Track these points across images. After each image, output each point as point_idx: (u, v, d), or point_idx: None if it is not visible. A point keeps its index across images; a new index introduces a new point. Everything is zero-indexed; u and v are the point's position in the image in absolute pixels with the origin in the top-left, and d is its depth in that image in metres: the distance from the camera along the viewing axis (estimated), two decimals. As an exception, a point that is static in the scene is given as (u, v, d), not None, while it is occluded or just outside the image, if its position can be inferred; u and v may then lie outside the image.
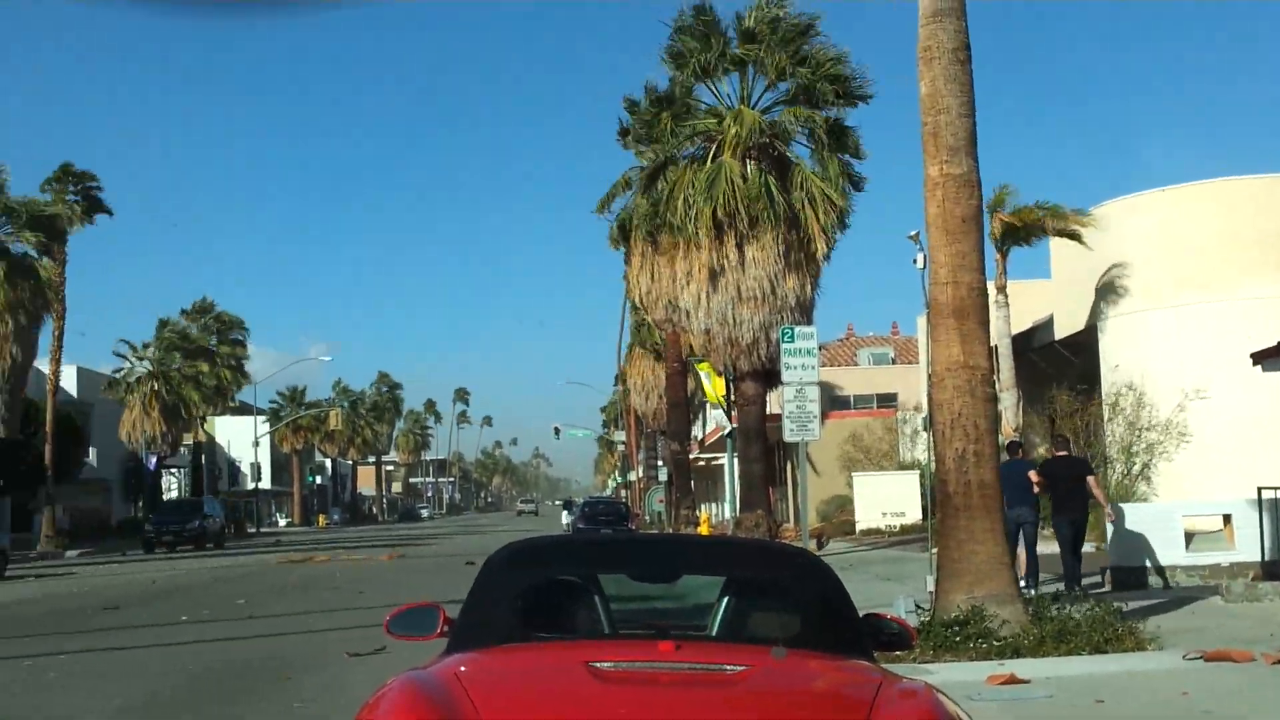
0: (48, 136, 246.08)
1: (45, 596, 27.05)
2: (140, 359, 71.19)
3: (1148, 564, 19.77)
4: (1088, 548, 23.41)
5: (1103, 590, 18.98)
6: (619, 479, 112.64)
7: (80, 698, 12.25)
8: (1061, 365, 34.89)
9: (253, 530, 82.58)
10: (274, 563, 38.77)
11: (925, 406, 29.38)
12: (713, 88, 35.16)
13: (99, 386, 70.32)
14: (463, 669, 4.82)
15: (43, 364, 56.33)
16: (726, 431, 43.75)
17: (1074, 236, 32.04)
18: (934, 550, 15.61)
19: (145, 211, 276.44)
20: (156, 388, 68.81)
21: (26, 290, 49.97)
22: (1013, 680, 11.09)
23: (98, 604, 23.76)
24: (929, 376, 14.53)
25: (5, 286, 49.09)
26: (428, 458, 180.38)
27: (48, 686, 13.09)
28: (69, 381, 65.76)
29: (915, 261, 26.79)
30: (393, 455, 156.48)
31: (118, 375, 70.19)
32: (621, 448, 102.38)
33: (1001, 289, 32.88)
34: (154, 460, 70.37)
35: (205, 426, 79.59)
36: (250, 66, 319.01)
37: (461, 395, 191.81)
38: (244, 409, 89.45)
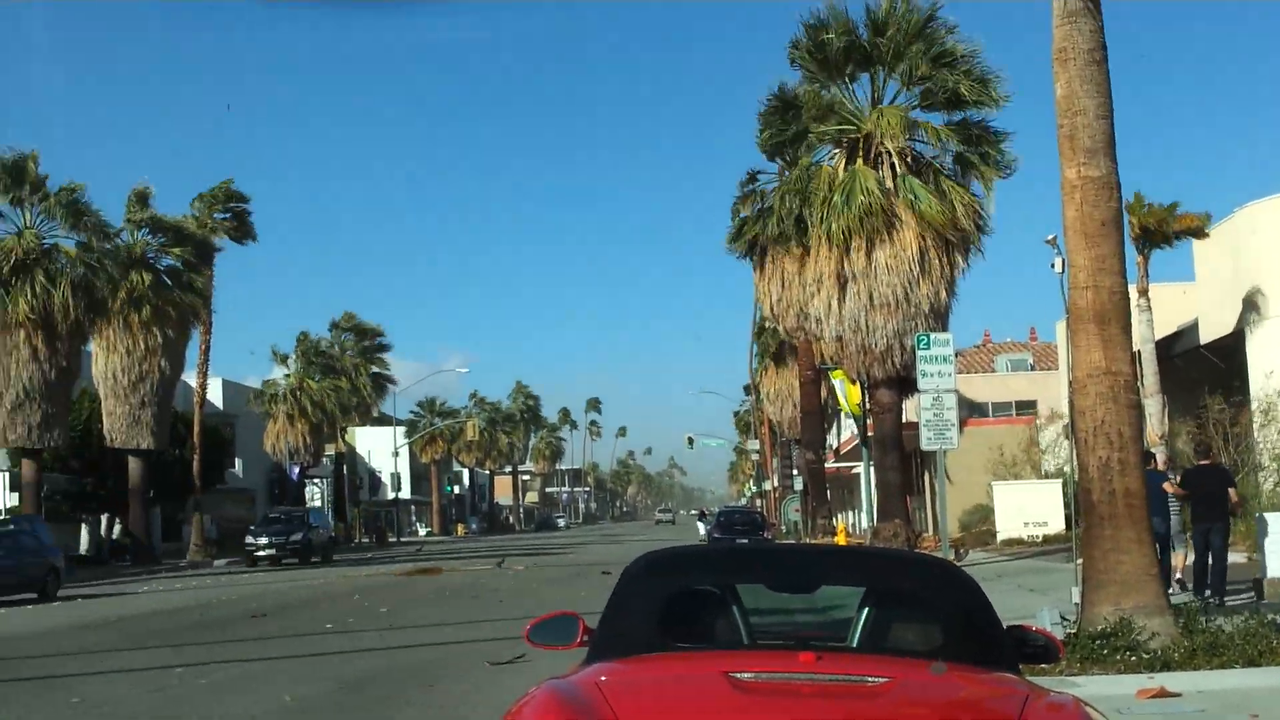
0: (188, 154, 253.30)
1: (196, 605, 27.76)
2: (284, 373, 72.88)
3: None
4: (1238, 558, 22.78)
5: (1251, 601, 18.44)
6: (754, 488, 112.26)
7: (233, 704, 12.55)
8: (1208, 371, 33.96)
9: (393, 539, 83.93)
10: (395, 574, 37.72)
11: (1066, 414, 28.83)
12: (844, 91, 34.82)
13: (244, 399, 72.11)
14: (603, 678, 4.84)
15: (189, 377, 57.90)
16: (859, 439, 43.37)
17: (1197, 234, 31.21)
18: (1079, 561, 15.29)
19: (289, 227, 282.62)
20: (299, 400, 70.35)
21: (174, 305, 51.37)
22: (1163, 694, 10.83)
23: (243, 612, 24.33)
24: (1070, 383, 14.26)
25: (154, 301, 50.52)
26: (562, 467, 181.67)
27: (201, 693, 13.43)
28: (215, 394, 67.54)
29: (1053, 266, 26.24)
30: (529, 465, 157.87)
31: (262, 388, 71.92)
32: (756, 457, 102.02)
33: (1143, 293, 32.13)
34: (297, 470, 71.94)
35: (346, 437, 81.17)
36: (389, 81, 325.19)
37: (594, 405, 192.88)
38: (384, 420, 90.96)
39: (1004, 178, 33.59)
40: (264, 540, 50.83)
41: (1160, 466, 20.76)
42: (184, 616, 24.16)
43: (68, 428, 47.35)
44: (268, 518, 55.42)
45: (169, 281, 51.93)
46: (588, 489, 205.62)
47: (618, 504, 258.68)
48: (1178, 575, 20.11)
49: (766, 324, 59.80)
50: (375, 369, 78.74)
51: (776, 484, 79.74)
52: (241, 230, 57.65)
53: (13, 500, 43.98)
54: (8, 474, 44.83)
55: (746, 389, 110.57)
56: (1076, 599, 14.79)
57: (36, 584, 31.98)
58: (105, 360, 50.56)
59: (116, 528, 55.08)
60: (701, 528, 73.85)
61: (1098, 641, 12.65)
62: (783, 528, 65.92)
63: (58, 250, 46.10)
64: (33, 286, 44.22)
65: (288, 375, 72.59)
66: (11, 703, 13.13)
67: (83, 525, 54.21)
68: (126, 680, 14.48)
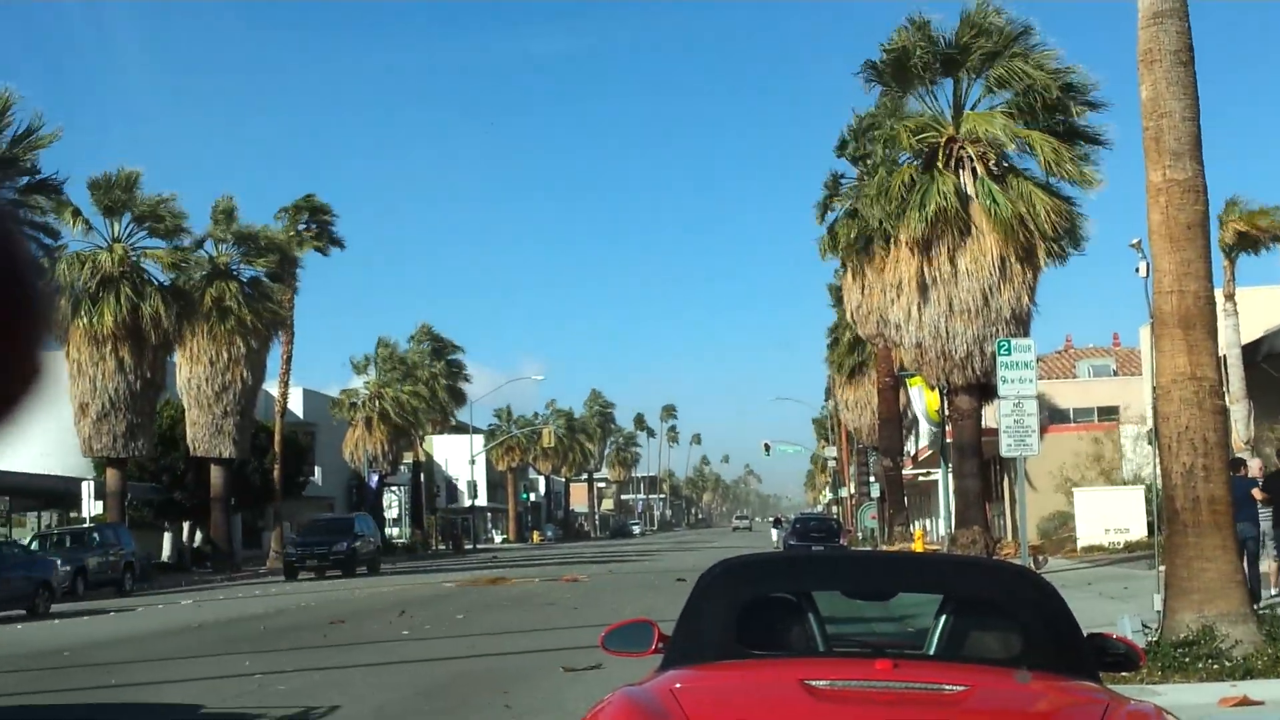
0: (268, 165, 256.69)
1: (278, 612, 28.08)
2: (364, 380, 73.60)
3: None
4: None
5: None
6: (830, 495, 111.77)
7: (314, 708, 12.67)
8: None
9: (470, 547, 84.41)
10: (453, 586, 35.68)
11: (1150, 419, 28.40)
12: (925, 98, 34.54)
13: (324, 407, 72.88)
14: (678, 685, 4.82)
15: (271, 386, 58.59)
16: (936, 445, 43.04)
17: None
18: (1161, 568, 15.06)
19: (369, 237, 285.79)
20: (379, 408, 70.99)
21: (258, 316, 52.01)
22: (1246, 702, 10.63)
23: (323, 619, 24.56)
24: (1154, 389, 14.05)
25: (238, 312, 51.19)
26: (638, 475, 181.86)
27: (279, 699, 13.56)
28: (296, 403, 68.31)
29: (1138, 270, 25.85)
30: (604, 473, 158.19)
31: (341, 396, 72.68)
32: (833, 464, 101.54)
33: (1230, 296, 31.62)
34: (375, 478, 72.59)
35: (424, 445, 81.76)
36: (456, 88, 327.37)
37: (669, 412, 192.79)
38: (461, 428, 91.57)
39: (1093, 187, 33.00)
40: (305, 549, 46.26)
41: (1254, 473, 20.40)
42: (265, 622, 24.44)
43: (152, 437, 48.11)
44: (314, 523, 50.75)
45: (252, 292, 52.57)
46: (663, 496, 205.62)
47: (693, 511, 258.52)
48: (1273, 589, 19.77)
49: (846, 330, 59.60)
50: (453, 378, 79.35)
51: (853, 491, 79.34)
52: (325, 240, 58.39)
53: (98, 508, 44.74)
54: (93, 483, 45.61)
55: (826, 393, 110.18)
56: (1158, 606, 14.57)
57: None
58: (189, 370, 51.31)
59: (198, 535, 55.93)
60: (776, 534, 73.58)
61: (1180, 649, 12.46)
62: (859, 535, 65.53)
63: (146, 260, 46.83)
64: (119, 299, 44.99)
65: (367, 383, 73.31)
66: (96, 709, 13.34)
67: (165, 533, 55.05)
68: (199, 686, 14.66)
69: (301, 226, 57.26)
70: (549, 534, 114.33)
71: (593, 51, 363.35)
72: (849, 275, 35.71)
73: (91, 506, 44.32)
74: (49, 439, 53.69)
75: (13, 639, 22.62)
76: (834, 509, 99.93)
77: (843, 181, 39.53)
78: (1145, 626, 13.54)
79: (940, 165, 32.97)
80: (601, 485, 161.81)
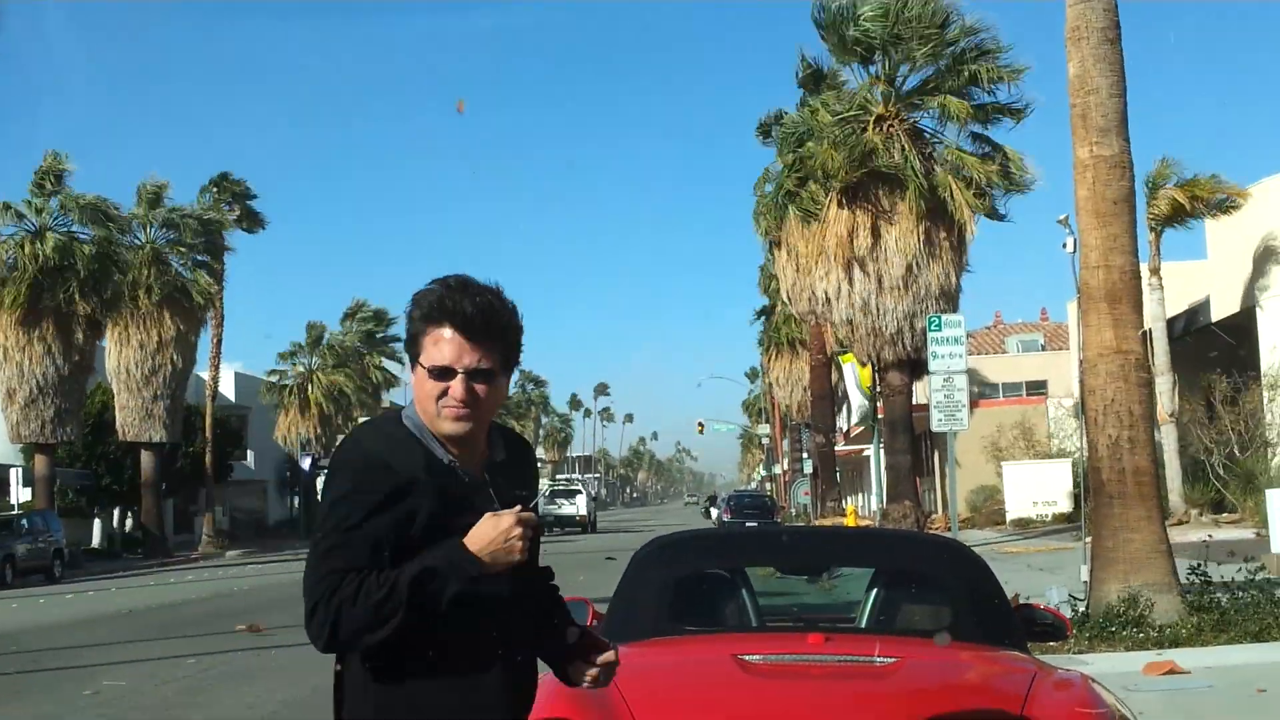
0: (197, 141, 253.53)
1: (211, 596, 27.85)
2: (293, 364, 72.84)
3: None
4: (1247, 534, 22.78)
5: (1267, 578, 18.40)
6: (764, 472, 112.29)
7: (237, 698, 12.60)
8: (1220, 348, 33.89)
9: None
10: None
11: (1077, 393, 28.80)
12: (859, 73, 34.65)
13: (256, 390, 72.14)
14: (613, 662, 4.85)
15: (201, 370, 57.96)
16: (868, 421, 43.36)
17: (1230, 210, 31.14)
18: (1088, 539, 15.30)
19: (301, 219, 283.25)
20: (310, 391, 70.37)
21: (185, 299, 51.42)
22: (1172, 670, 10.84)
23: (259, 602, 24.39)
24: (1080, 363, 14.25)
25: (166, 295, 50.54)
26: (572, 455, 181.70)
27: (208, 687, 13.48)
28: (228, 386, 67.57)
29: (1065, 246, 26.27)
30: (540, 453, 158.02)
31: (271, 380, 71.92)
32: (766, 441, 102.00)
33: (1155, 271, 32.06)
34: (309, 461, 72.01)
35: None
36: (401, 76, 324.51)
37: (602, 389, 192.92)
38: (395, 409, 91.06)
39: (1017, 189, 33.36)
40: None
41: None
42: (197, 607, 24.24)
43: (81, 422, 47.47)
44: None
45: (181, 275, 51.96)
46: (598, 476, 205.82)
47: (628, 490, 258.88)
48: None
49: (779, 306, 59.83)
50: (385, 359, 78.59)
51: (786, 468, 79.80)
52: (250, 220, 57.92)
53: (26, 495, 44.08)
54: (21, 469, 44.93)
55: (750, 374, 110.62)
56: (1085, 578, 14.80)
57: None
58: (118, 355, 50.62)
59: (129, 521, 55.27)
60: (715, 514, 73.96)
61: (1106, 619, 12.67)
62: (792, 510, 65.96)
63: (74, 245, 46.09)
64: (46, 282, 44.30)
65: (295, 365, 72.56)
66: (25, 695, 13.19)
67: (96, 519, 54.37)
68: (136, 670, 14.54)
69: (226, 206, 56.75)
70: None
71: (539, 28, 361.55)
72: (783, 253, 35.82)
73: (20, 494, 43.67)
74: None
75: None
76: (767, 486, 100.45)
77: (771, 165, 39.70)
78: (1073, 597, 13.75)
79: (870, 131, 33.04)
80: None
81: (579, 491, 70.18)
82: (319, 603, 2.90)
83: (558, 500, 67.27)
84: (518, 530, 2.97)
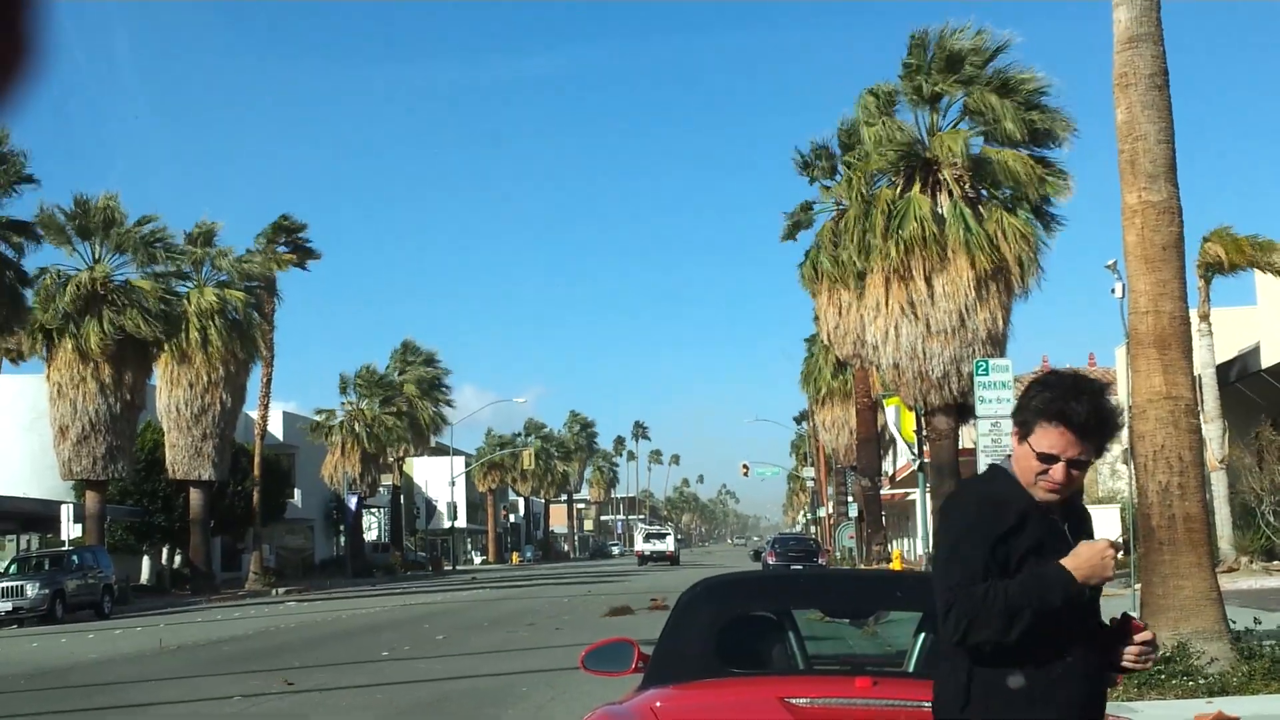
0: (248, 185, 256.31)
1: (258, 634, 27.97)
2: (343, 400, 73.40)
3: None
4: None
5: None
6: (809, 515, 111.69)
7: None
8: (1270, 395, 33.54)
9: (449, 568, 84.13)
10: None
11: (1126, 439, 28.50)
12: (901, 119, 34.61)
13: (304, 429, 72.62)
14: (658, 704, 4.87)
15: (251, 409, 58.42)
16: (916, 465, 43.11)
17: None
18: (1137, 586, 15.16)
19: (349, 257, 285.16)
20: (357, 431, 70.78)
21: (236, 339, 51.89)
22: (1220, 719, 10.71)
23: (301, 640, 24.46)
24: (1129, 408, 14.17)
25: (218, 335, 51.03)
26: (618, 495, 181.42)
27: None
28: (276, 425, 68.06)
29: (1114, 291, 26.07)
30: (584, 493, 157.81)
31: (320, 419, 72.40)
32: (811, 484, 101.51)
33: (1204, 317, 31.83)
34: (355, 500, 72.34)
35: (404, 467, 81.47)
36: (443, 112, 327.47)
37: (640, 430, 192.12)
38: (441, 450, 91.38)
39: (1055, 226, 33.36)
40: None
41: None
42: (244, 644, 24.35)
43: (132, 460, 47.91)
44: (22, 560, 39.52)
45: (232, 315, 52.44)
46: (643, 516, 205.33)
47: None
48: None
49: (824, 351, 59.67)
50: (434, 401, 78.95)
51: (831, 511, 79.36)
52: (303, 257, 58.66)
53: (76, 531, 44.48)
54: (72, 506, 45.37)
55: (798, 418, 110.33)
56: (1136, 625, 14.62)
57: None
58: (169, 394, 51.14)
59: (178, 558, 55.65)
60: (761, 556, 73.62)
61: (1155, 667, 12.54)
62: (837, 554, 65.56)
63: (128, 284, 46.67)
64: (101, 321, 44.88)
65: (344, 404, 73.06)
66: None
67: (144, 556, 54.73)
68: (185, 708, 14.63)
69: (281, 248, 57.41)
70: (528, 555, 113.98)
71: (581, 71, 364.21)
72: (826, 297, 35.81)
73: (70, 530, 44.07)
74: (28, 462, 53.50)
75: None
76: (812, 529, 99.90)
77: (815, 205, 39.75)
78: (1122, 644, 13.59)
79: (917, 189, 33.05)
80: (581, 506, 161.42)
81: (668, 534, 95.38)
82: (952, 606, 3.50)
83: (652, 540, 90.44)
84: (1110, 553, 3.56)
